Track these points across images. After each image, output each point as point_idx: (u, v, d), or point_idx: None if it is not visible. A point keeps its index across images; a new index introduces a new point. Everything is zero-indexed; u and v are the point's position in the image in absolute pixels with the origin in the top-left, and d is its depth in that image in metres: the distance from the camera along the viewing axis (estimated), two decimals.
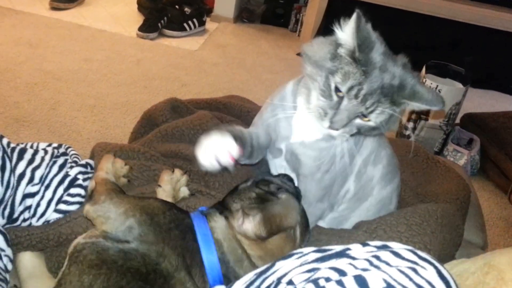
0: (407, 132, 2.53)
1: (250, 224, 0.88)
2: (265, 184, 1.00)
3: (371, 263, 0.69)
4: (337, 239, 0.97)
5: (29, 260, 1.05)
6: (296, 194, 1.02)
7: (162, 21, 3.25)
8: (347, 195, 1.16)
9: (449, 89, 2.39)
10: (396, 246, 0.74)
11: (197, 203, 1.11)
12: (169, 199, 1.06)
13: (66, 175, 1.07)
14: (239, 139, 1.02)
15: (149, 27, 3.19)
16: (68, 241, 1.01)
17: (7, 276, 0.97)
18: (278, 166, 1.20)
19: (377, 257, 0.70)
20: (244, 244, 0.89)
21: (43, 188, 1.04)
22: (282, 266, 0.74)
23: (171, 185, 1.10)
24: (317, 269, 0.69)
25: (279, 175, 1.08)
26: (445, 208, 1.04)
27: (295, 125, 1.11)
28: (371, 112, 0.94)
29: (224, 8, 3.62)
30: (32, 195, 1.03)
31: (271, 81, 3.03)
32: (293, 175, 1.13)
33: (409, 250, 0.72)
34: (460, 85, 2.47)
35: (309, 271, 0.69)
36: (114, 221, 0.83)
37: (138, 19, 3.42)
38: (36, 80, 2.58)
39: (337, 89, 0.93)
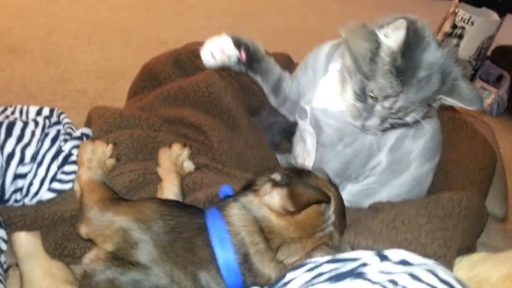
0: None
1: (277, 196, 0.82)
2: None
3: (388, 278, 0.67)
4: (351, 233, 0.94)
5: (25, 239, 1.03)
6: (333, 181, 0.96)
7: None
8: (377, 168, 1.12)
9: (483, 21, 2.25)
10: (415, 260, 0.71)
11: (203, 177, 1.07)
12: (173, 177, 1.02)
13: (60, 151, 1.03)
14: (243, 45, 1.13)
15: None
16: (63, 219, 1.00)
17: (2, 256, 0.97)
18: (303, 131, 1.19)
19: (395, 283, 0.68)
20: (268, 220, 0.82)
21: (35, 166, 1.00)
22: (293, 278, 0.72)
23: (170, 162, 1.05)
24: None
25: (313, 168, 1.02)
26: (470, 198, 0.99)
27: (320, 90, 1.10)
28: (406, 115, 0.95)
29: None
30: (24, 175, 1.00)
31: (290, 4, 2.86)
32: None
33: (429, 271, 0.69)
34: (495, 16, 2.30)
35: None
36: (113, 238, 0.80)
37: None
38: (29, 1, 2.46)
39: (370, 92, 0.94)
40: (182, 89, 1.22)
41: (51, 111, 1.12)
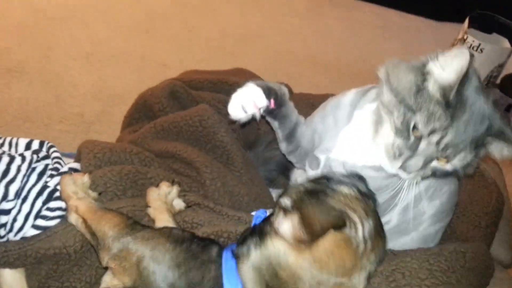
0: None
1: (288, 225, 0.72)
2: (323, 179, 0.84)
3: None
4: None
5: (10, 276, 1.01)
6: (368, 194, 0.84)
7: None
8: (385, 226, 1.05)
9: (493, 49, 2.21)
10: None
11: (194, 216, 1.04)
12: (166, 215, 0.99)
13: (45, 186, 1.01)
14: (273, 93, 1.05)
15: None
16: (46, 257, 0.98)
17: None
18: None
19: None
20: (286, 263, 0.73)
21: (19, 201, 0.99)
22: None
23: (160, 202, 1.02)
24: None
25: (346, 174, 0.90)
26: (475, 249, 0.95)
27: (342, 139, 1.03)
28: (454, 156, 0.87)
29: None
30: (7, 211, 0.97)
31: (291, 26, 2.83)
32: None
33: None
34: (506, 43, 2.27)
35: None
36: (132, 274, 0.78)
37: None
38: (28, 20, 2.44)
39: (415, 127, 0.86)
40: (176, 123, 1.19)
41: (41, 144, 1.11)
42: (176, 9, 2.74)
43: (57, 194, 1.01)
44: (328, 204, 0.74)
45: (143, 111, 1.31)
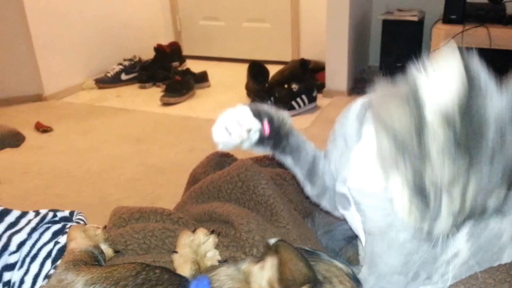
0: None
1: (268, 266, 0.67)
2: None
3: None
4: None
5: None
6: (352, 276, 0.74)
7: (269, 102, 3.18)
8: (455, 260, 0.78)
9: None
10: None
11: None
12: (188, 268, 0.82)
13: (56, 243, 0.91)
14: (265, 114, 0.85)
15: None
16: None
17: None
18: (356, 229, 0.90)
19: None
20: None
21: (28, 260, 0.89)
22: None
23: (190, 249, 0.86)
24: None
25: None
26: None
27: (354, 162, 0.82)
28: (486, 200, 0.64)
29: (336, 81, 3.45)
30: (11, 266, 0.87)
31: None
32: None
33: None
34: None
35: None
36: None
37: (247, 104, 3.41)
38: (139, 175, 2.62)
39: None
40: (214, 182, 1.07)
41: (71, 213, 1.03)
42: None
43: None
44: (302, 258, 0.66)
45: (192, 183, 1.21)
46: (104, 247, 0.87)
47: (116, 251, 0.90)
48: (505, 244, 0.77)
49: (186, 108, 3.50)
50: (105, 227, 0.94)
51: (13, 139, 2.88)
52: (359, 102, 0.85)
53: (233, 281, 0.68)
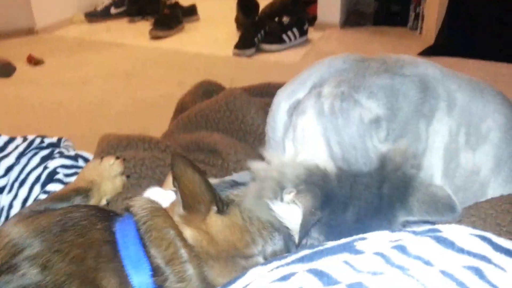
0: None
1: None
2: None
3: (387, 260, 0.41)
4: None
5: None
6: None
7: (259, 36, 3.13)
8: None
9: None
10: (452, 232, 0.44)
11: None
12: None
13: (45, 168, 0.91)
14: None
15: (244, 43, 3.09)
16: None
17: None
18: None
19: (402, 249, 0.41)
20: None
21: (17, 185, 0.90)
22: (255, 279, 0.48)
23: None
24: (292, 274, 0.43)
25: None
26: None
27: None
28: None
29: (329, 14, 3.38)
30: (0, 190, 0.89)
31: None
32: None
33: (479, 236, 0.43)
34: None
35: (281, 279, 0.43)
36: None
37: (236, 38, 3.36)
38: (129, 109, 2.60)
39: None
40: (202, 111, 1.07)
41: (59, 140, 1.04)
42: None
43: (57, 176, 0.91)
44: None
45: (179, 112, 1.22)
46: (119, 178, 0.87)
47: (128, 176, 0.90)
48: (486, 179, 0.75)
49: (176, 42, 3.44)
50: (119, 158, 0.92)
51: (3, 69, 2.86)
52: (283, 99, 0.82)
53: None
